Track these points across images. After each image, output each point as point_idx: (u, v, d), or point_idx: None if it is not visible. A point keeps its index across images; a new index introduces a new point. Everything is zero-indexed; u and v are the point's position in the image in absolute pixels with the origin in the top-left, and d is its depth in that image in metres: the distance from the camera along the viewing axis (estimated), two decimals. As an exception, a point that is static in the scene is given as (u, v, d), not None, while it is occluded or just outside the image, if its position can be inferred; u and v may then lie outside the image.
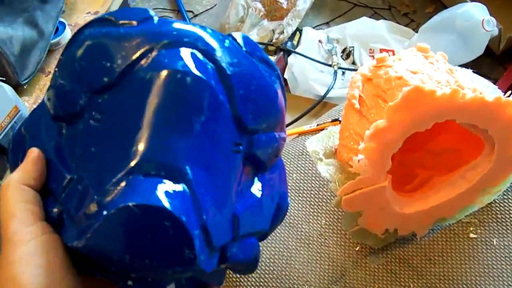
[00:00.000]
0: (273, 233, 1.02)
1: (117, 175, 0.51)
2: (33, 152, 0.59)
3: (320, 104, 2.13)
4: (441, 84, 0.82)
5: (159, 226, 0.49)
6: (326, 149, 0.94)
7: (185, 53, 0.56)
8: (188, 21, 2.72)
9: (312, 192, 1.09)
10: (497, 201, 0.99)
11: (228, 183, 0.58)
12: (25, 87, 1.55)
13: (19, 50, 1.49)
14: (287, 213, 1.03)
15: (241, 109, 0.59)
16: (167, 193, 0.50)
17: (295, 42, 2.45)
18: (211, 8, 2.85)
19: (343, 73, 2.24)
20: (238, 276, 0.99)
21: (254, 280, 0.98)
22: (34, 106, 1.54)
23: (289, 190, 1.10)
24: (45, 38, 1.61)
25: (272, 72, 0.67)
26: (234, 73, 0.59)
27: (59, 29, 1.72)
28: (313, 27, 2.53)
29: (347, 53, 2.32)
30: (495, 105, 0.79)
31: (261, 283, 0.98)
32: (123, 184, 0.50)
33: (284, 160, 1.15)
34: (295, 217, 1.06)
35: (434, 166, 0.97)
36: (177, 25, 0.59)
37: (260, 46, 2.43)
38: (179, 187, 0.52)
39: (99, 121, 0.55)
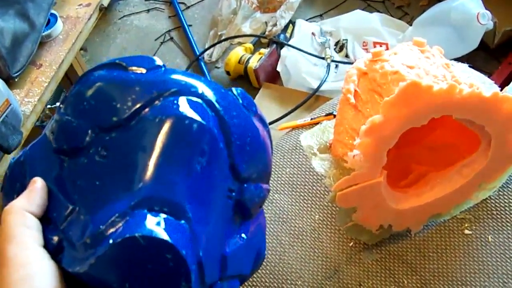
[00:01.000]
0: (266, 229, 1.02)
1: (123, 208, 0.54)
2: (37, 182, 0.61)
3: (313, 97, 2.11)
4: (437, 79, 0.81)
5: (161, 257, 0.52)
6: (320, 144, 0.94)
7: (192, 102, 0.61)
8: (181, 14, 2.71)
9: (305, 187, 1.08)
10: (492, 197, 0.99)
11: (221, 225, 0.62)
12: (16, 80, 1.54)
13: (10, 42, 1.48)
14: (281, 208, 1.02)
15: (237, 157, 0.63)
16: (170, 228, 0.53)
17: (288, 35, 2.44)
18: (203, 0, 2.84)
19: (336, 66, 2.23)
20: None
21: (247, 276, 0.97)
22: (26, 100, 1.53)
23: (282, 185, 1.09)
24: (36, 30, 1.60)
25: (264, 128, 0.71)
26: (233, 124, 0.63)
27: (50, 21, 1.71)
28: (306, 20, 2.52)
29: (340, 46, 2.31)
30: (492, 101, 0.78)
31: (254, 279, 0.97)
32: (128, 216, 0.53)
33: (278, 154, 1.14)
34: (289, 213, 1.05)
35: (429, 162, 0.96)
36: (184, 76, 0.64)
37: (253, 38, 2.44)
38: (180, 223, 0.55)
39: (105, 157, 0.59)
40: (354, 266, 0.97)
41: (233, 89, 0.69)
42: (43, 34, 1.66)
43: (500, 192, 0.99)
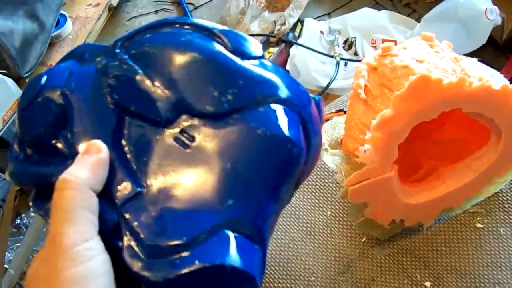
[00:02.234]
0: (278, 225, 1.02)
1: (209, 222, 0.50)
2: (102, 151, 0.53)
3: (323, 96, 2.12)
4: (447, 72, 0.81)
5: (239, 285, 0.50)
6: (331, 140, 0.94)
7: (293, 117, 0.56)
8: (189, 13, 2.72)
9: (317, 183, 1.08)
10: (503, 190, 0.99)
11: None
12: (26, 80, 1.55)
13: (20, 43, 1.49)
14: (292, 204, 1.03)
15: (304, 175, 0.60)
16: (252, 258, 0.50)
17: (296, 33, 2.44)
18: (211, 0, 2.85)
19: (345, 64, 2.23)
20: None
21: (259, 272, 0.98)
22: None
23: (293, 182, 1.09)
24: (46, 30, 1.61)
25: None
26: (314, 145, 0.59)
27: (60, 22, 1.72)
28: (315, 18, 2.52)
29: (349, 44, 2.31)
30: (502, 94, 0.78)
31: (267, 275, 0.98)
32: (216, 236, 0.49)
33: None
34: (300, 209, 1.05)
35: (439, 156, 0.96)
36: (286, 78, 0.58)
37: (262, 37, 2.44)
38: (258, 249, 0.52)
39: (187, 146, 0.53)
40: (366, 261, 0.97)
41: (315, 97, 0.63)
42: (53, 34, 1.67)
43: (511, 185, 0.99)
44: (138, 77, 0.55)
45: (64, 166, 0.52)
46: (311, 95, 0.61)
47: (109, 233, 0.50)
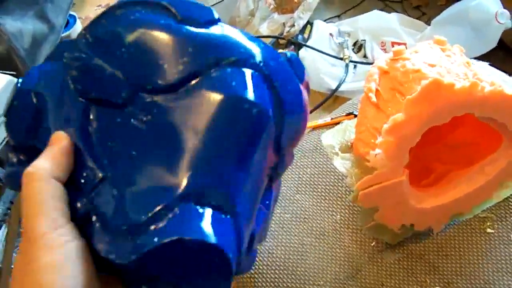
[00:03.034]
0: (288, 229, 1.02)
1: (168, 199, 0.48)
2: (63, 140, 0.54)
3: (332, 98, 2.11)
4: (459, 77, 0.81)
5: (207, 258, 0.48)
6: (341, 144, 0.93)
7: (251, 77, 0.54)
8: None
9: (327, 187, 1.08)
10: (514, 195, 0.98)
11: (256, 207, 0.57)
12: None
13: (30, 44, 1.49)
14: (302, 208, 1.02)
15: (284, 136, 0.58)
16: (218, 228, 0.48)
17: (306, 35, 2.44)
18: (221, 1, 2.85)
19: (355, 66, 2.23)
20: (253, 273, 0.98)
21: (269, 276, 0.97)
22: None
23: (303, 185, 1.09)
24: (55, 31, 1.61)
25: (308, 94, 0.65)
26: (287, 101, 0.57)
27: (69, 23, 1.72)
28: (324, 20, 2.52)
29: (358, 46, 2.31)
30: (514, 99, 0.78)
31: (276, 280, 0.97)
32: (176, 210, 0.48)
33: (299, 154, 1.14)
34: (310, 213, 1.05)
35: (451, 160, 0.95)
36: (243, 38, 0.57)
37: (271, 39, 2.44)
38: (227, 220, 0.50)
39: (144, 123, 0.52)
40: (376, 266, 0.96)
41: (287, 53, 0.60)
42: (62, 35, 1.67)
43: (522, 191, 0.99)
44: (94, 63, 0.55)
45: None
46: (282, 51, 0.61)
47: (82, 220, 0.51)
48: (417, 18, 2.36)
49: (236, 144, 0.52)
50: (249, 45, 0.56)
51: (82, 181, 0.53)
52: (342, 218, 1.03)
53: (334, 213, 1.04)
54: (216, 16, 0.57)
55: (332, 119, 1.18)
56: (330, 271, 0.97)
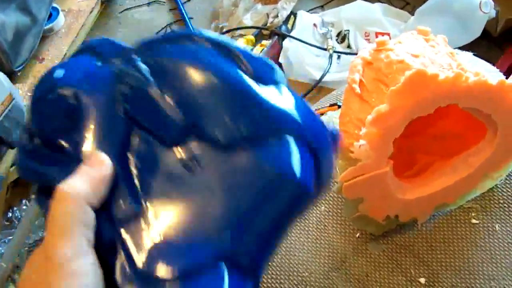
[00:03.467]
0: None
1: (202, 254, 0.48)
2: (108, 168, 0.51)
3: (316, 89, 2.11)
4: (443, 67, 0.81)
5: None
6: (326, 135, 0.93)
7: (304, 154, 0.51)
8: (181, 7, 2.70)
9: (311, 178, 1.07)
10: (499, 186, 0.98)
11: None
12: (18, 74, 1.53)
13: (12, 36, 1.47)
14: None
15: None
16: None
17: (289, 26, 2.44)
18: (204, -9, 2.84)
19: (339, 57, 2.23)
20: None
21: (253, 268, 0.97)
22: (29, 94, 1.51)
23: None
24: (38, 24, 1.59)
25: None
26: (326, 177, 0.55)
27: (52, 15, 1.70)
28: (308, 11, 2.51)
29: (342, 37, 2.31)
30: (498, 89, 0.78)
31: (260, 271, 0.97)
32: (209, 269, 0.47)
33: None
34: (294, 204, 1.04)
35: (435, 151, 0.95)
36: (308, 111, 0.54)
37: (254, 30, 2.43)
38: (249, 284, 0.50)
39: (190, 170, 0.50)
40: (361, 257, 0.96)
41: (333, 131, 0.57)
42: (45, 28, 1.65)
43: (507, 181, 0.99)
44: (152, 91, 0.52)
45: (67, 170, 0.50)
46: (329, 126, 0.57)
47: (105, 249, 0.49)
48: (401, 8, 2.36)
49: (277, 217, 0.51)
50: (308, 119, 0.53)
51: (113, 208, 0.50)
52: (326, 209, 1.02)
53: (318, 204, 1.03)
54: (281, 77, 0.54)
55: (316, 110, 1.17)
56: (315, 262, 0.97)
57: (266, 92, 0.52)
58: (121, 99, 0.52)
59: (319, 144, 0.53)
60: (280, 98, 0.52)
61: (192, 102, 0.51)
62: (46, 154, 0.54)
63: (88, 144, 0.52)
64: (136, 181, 0.50)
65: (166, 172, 0.50)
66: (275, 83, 0.54)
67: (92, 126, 0.53)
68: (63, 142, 0.53)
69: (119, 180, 0.50)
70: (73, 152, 0.53)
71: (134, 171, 0.51)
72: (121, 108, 0.52)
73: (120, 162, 0.51)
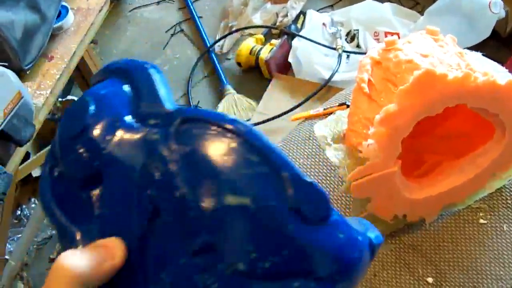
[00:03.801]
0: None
1: None
2: (119, 257, 0.47)
3: (325, 88, 2.11)
4: (451, 67, 0.81)
5: None
6: (334, 134, 0.93)
7: None
8: (191, 5, 2.71)
9: (319, 177, 1.07)
10: (507, 186, 0.98)
11: None
12: (27, 72, 1.53)
13: (21, 34, 1.47)
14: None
15: None
16: None
17: (299, 25, 2.43)
18: (214, -10, 2.84)
19: (348, 56, 2.22)
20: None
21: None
22: (38, 92, 1.52)
23: (295, 176, 1.09)
24: (47, 22, 1.59)
25: None
26: None
27: (61, 13, 1.70)
28: (317, 10, 2.51)
29: (351, 36, 2.30)
30: (506, 89, 0.78)
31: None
32: None
33: (291, 145, 1.14)
34: (302, 203, 1.04)
35: (443, 151, 0.95)
36: (350, 249, 0.49)
37: (264, 29, 2.43)
38: None
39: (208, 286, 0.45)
40: (368, 256, 0.96)
41: (374, 246, 0.52)
42: (54, 26, 1.65)
43: (515, 181, 0.99)
44: (180, 188, 0.46)
45: (82, 228, 0.50)
46: (372, 238, 0.52)
47: None
48: (410, 8, 2.35)
49: None
50: (346, 258, 0.48)
51: None
52: (335, 208, 1.02)
53: (326, 203, 1.03)
54: (330, 211, 0.48)
55: (324, 109, 1.17)
56: (323, 261, 0.97)
57: (303, 232, 0.46)
58: (147, 181, 0.48)
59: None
60: (320, 237, 0.47)
61: (218, 221, 0.45)
62: (66, 198, 0.53)
63: (106, 215, 0.50)
64: (151, 277, 0.47)
65: (183, 276, 0.46)
66: (322, 219, 0.47)
67: (112, 198, 0.50)
68: (84, 195, 0.51)
69: (132, 265, 0.47)
70: (90, 212, 0.50)
71: (149, 262, 0.47)
72: (147, 191, 0.47)
73: (138, 249, 0.47)
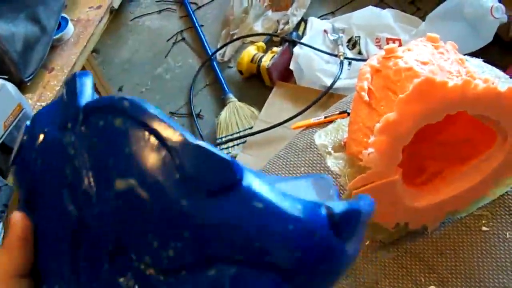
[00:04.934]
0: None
1: None
2: (17, 227, 0.46)
3: (327, 95, 2.10)
4: (452, 75, 0.80)
5: None
6: (335, 143, 0.93)
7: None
8: (192, 14, 2.71)
9: (320, 186, 1.07)
10: (510, 193, 0.98)
11: None
12: (28, 84, 1.53)
13: (22, 46, 1.48)
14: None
15: None
16: None
17: (300, 33, 2.44)
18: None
19: (350, 63, 2.22)
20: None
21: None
22: (38, 104, 1.52)
23: (297, 184, 1.08)
24: (47, 34, 1.60)
25: None
26: None
27: (61, 25, 1.70)
28: (318, 17, 2.51)
29: (353, 43, 2.30)
30: (508, 96, 0.77)
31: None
32: None
33: (292, 153, 1.13)
34: (304, 212, 1.04)
35: (445, 158, 0.95)
36: (281, 217, 0.40)
37: (265, 37, 2.44)
38: None
39: None
40: (370, 265, 0.96)
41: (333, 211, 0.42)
42: (54, 37, 1.65)
43: (518, 188, 0.98)
44: (86, 188, 0.43)
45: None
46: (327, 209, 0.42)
47: None
48: (412, 14, 2.35)
49: None
50: (281, 230, 0.40)
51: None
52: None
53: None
54: (237, 173, 0.40)
55: (325, 117, 1.17)
56: (325, 271, 0.96)
57: (202, 204, 0.40)
58: (66, 185, 0.45)
59: (295, 265, 0.41)
60: (227, 207, 0.40)
61: (114, 215, 0.42)
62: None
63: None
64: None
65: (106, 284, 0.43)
66: (227, 187, 0.40)
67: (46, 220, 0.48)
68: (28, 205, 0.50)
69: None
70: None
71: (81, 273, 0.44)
72: (70, 202, 0.45)
73: (68, 265, 0.45)
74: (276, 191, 0.41)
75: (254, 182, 0.40)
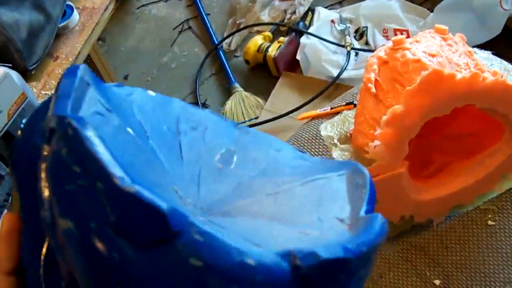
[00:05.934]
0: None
1: None
2: (6, 225, 0.47)
3: (333, 86, 2.09)
4: (460, 67, 0.79)
5: None
6: (340, 134, 0.92)
7: None
8: (198, 2, 2.70)
9: (325, 177, 1.06)
10: (516, 187, 0.97)
11: None
12: (33, 72, 1.53)
13: (26, 34, 1.47)
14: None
15: None
16: None
17: (307, 22, 2.42)
18: (222, -13, 2.84)
19: (356, 54, 2.21)
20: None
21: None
22: (43, 92, 1.51)
23: (302, 176, 1.08)
24: (52, 22, 1.59)
25: None
26: None
27: (66, 13, 1.70)
28: (326, 7, 2.50)
29: (360, 34, 2.29)
30: (516, 89, 0.77)
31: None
32: None
33: (297, 144, 1.13)
34: (309, 204, 1.03)
35: (451, 152, 0.94)
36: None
37: (272, 26, 2.42)
38: None
39: None
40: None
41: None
42: (59, 25, 1.64)
43: (524, 182, 0.98)
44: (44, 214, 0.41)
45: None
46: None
47: None
48: (419, 5, 2.33)
49: None
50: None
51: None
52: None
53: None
54: (174, 228, 0.36)
55: (331, 108, 1.16)
56: (329, 263, 0.96)
57: (136, 257, 0.37)
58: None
59: None
60: None
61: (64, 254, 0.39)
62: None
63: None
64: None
65: None
66: (161, 240, 0.36)
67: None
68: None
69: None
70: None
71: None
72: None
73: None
74: (226, 243, 0.36)
75: (196, 236, 0.36)
